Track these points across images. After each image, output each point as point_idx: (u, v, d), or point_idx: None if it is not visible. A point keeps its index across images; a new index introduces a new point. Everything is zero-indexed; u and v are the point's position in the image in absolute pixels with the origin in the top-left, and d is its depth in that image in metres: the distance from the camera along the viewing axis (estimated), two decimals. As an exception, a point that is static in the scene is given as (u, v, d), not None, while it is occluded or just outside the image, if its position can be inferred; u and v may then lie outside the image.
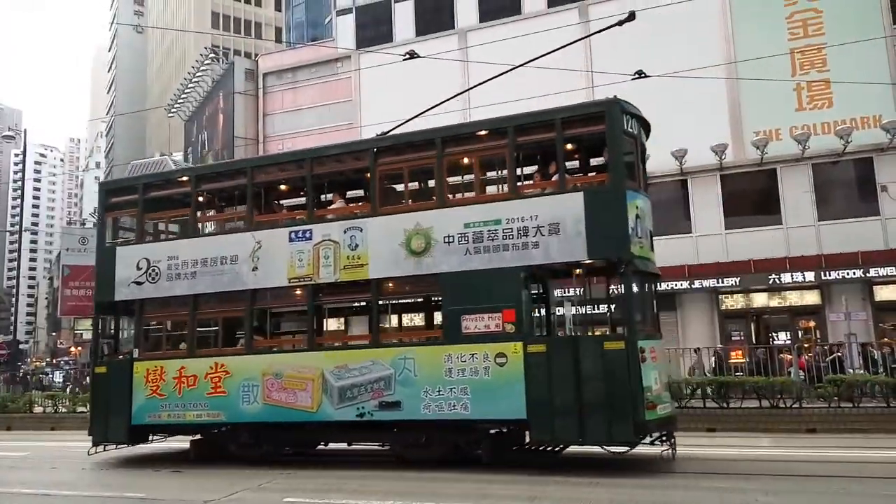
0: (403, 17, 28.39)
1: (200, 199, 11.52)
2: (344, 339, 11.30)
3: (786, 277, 20.31)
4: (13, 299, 59.76)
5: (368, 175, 10.20)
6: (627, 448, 8.80)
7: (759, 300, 21.78)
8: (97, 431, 11.32)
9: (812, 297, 20.95)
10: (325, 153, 10.91)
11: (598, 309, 10.52)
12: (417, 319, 11.62)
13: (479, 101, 23.79)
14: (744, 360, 17.51)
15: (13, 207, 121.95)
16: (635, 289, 8.84)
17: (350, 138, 26.87)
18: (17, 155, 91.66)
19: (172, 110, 43.78)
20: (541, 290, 9.60)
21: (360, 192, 11.35)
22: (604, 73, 18.92)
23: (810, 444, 11.09)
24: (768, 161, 21.13)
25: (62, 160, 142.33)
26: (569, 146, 9.44)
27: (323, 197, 11.26)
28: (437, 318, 10.40)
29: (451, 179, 10.08)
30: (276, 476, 9.16)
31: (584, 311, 10.03)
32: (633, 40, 21.60)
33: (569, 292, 11.93)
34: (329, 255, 10.03)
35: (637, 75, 10.66)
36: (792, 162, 21.01)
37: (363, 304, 10.62)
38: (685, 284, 20.98)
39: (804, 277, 20.11)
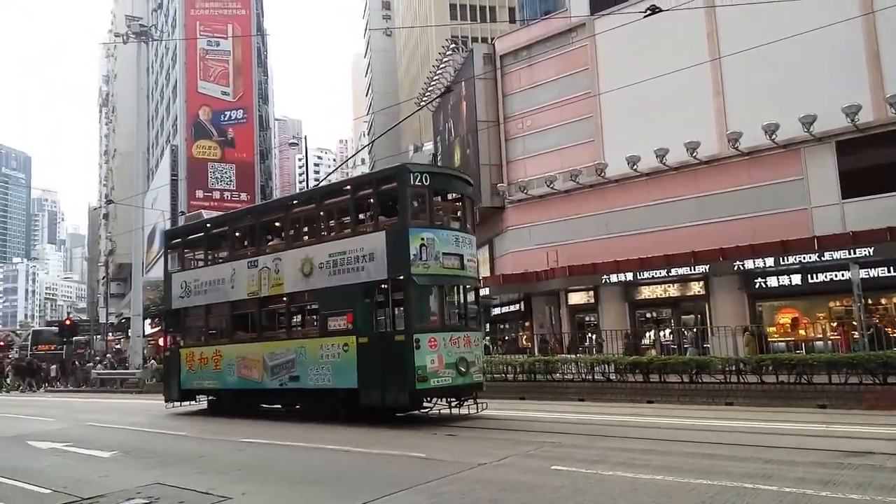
0: (639, -27, 28.94)
1: (210, 240, 17.12)
2: (274, 334, 15.96)
3: None
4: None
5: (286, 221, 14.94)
6: (426, 410, 12.58)
7: None
8: (166, 393, 17.66)
9: None
10: (263, 208, 15.86)
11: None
12: (311, 320, 15.99)
13: (729, 48, 22.89)
14: None
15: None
16: (417, 297, 12.43)
17: (588, 110, 28.48)
18: (300, 159, 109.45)
19: (421, 103, 45.88)
20: (372, 299, 13.39)
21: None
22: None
23: None
24: None
25: (334, 160, 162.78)
26: (385, 197, 13.18)
27: (270, 236, 16.19)
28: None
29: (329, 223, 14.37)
30: (543, 444, 9.45)
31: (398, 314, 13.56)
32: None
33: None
34: (265, 277, 14.94)
35: None
36: None
37: (283, 309, 15.31)
38: None
39: None
